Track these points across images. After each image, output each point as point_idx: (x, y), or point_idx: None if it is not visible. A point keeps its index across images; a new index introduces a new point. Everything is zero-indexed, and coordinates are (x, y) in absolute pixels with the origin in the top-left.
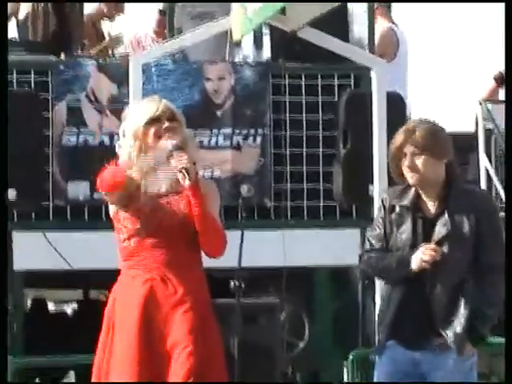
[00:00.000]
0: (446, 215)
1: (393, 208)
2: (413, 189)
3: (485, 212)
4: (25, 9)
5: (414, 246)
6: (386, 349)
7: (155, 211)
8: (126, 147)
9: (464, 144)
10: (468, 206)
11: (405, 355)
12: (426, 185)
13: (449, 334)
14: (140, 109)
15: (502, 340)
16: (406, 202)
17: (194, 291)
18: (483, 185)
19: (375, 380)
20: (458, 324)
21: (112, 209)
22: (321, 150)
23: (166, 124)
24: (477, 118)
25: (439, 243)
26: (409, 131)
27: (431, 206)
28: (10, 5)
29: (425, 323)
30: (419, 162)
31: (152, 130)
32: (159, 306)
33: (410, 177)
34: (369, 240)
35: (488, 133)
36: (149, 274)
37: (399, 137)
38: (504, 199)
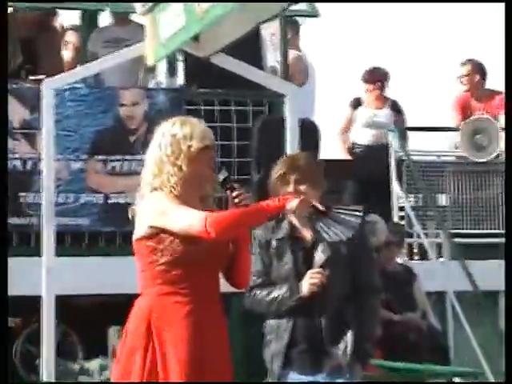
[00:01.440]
0: (323, 245)
1: (268, 243)
2: (285, 221)
3: (358, 237)
4: None
5: (297, 275)
6: (279, 377)
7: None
8: (165, 170)
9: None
10: (343, 229)
11: (296, 380)
12: (302, 213)
13: (339, 355)
14: (191, 130)
15: (412, 366)
16: (282, 234)
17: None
18: (395, 212)
19: None
20: (346, 344)
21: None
22: (235, 176)
23: (213, 154)
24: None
25: (321, 268)
26: (294, 159)
27: (307, 235)
28: None
29: (316, 348)
30: (303, 189)
31: (206, 157)
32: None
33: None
34: (254, 272)
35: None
36: (199, 304)
37: (283, 164)
38: (411, 227)
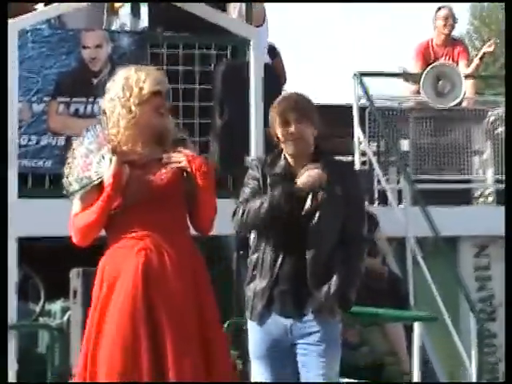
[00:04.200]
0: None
1: (264, 176)
2: (282, 157)
3: (351, 181)
4: None
5: (289, 212)
6: (260, 316)
7: (142, 176)
8: (115, 112)
9: (341, 116)
10: (337, 174)
11: (277, 323)
12: (300, 153)
13: (321, 297)
14: (142, 76)
15: (372, 310)
16: (278, 169)
17: (188, 259)
18: (357, 158)
19: (249, 347)
20: (330, 287)
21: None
22: (197, 120)
23: (166, 102)
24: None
25: (313, 208)
26: (291, 99)
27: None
28: None
29: (299, 288)
30: (303, 128)
31: (154, 103)
32: (157, 278)
33: (293, 144)
34: (242, 195)
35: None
36: (141, 243)
37: (282, 104)
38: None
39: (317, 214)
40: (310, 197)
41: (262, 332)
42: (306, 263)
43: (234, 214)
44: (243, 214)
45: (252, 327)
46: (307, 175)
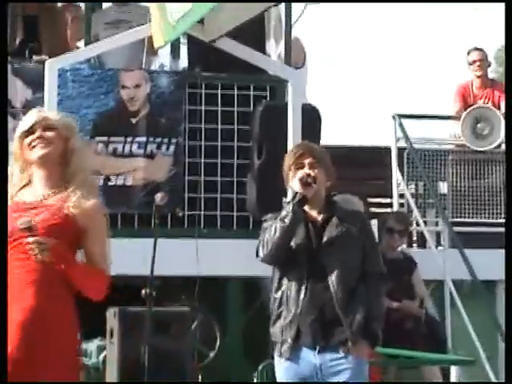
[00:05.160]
0: (335, 219)
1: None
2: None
3: (363, 224)
4: None
5: (308, 249)
6: (289, 350)
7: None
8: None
9: (380, 158)
10: (352, 214)
11: (306, 361)
12: (311, 197)
13: (348, 326)
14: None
15: (409, 353)
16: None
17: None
18: (395, 200)
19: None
20: (355, 318)
21: None
22: (235, 160)
23: (37, 133)
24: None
25: (331, 243)
26: (307, 145)
27: (316, 215)
28: None
29: (325, 318)
30: (316, 172)
31: (26, 141)
32: None
33: (308, 188)
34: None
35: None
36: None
37: (299, 148)
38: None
39: (336, 246)
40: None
41: (291, 370)
42: (330, 294)
43: (258, 250)
44: (263, 244)
45: (280, 365)
46: (298, 179)
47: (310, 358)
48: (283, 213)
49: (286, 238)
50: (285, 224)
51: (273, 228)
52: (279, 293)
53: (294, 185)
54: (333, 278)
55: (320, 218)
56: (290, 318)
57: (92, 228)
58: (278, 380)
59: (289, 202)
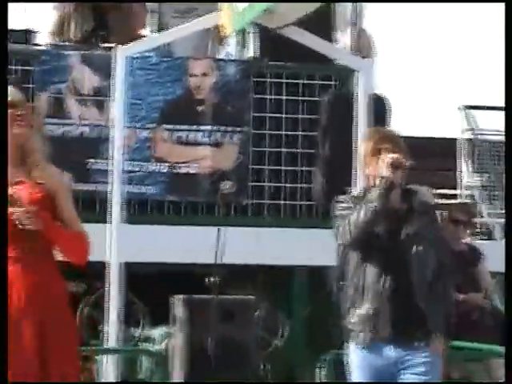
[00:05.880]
0: (416, 210)
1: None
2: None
3: (437, 216)
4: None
5: (388, 238)
6: (366, 342)
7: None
8: None
9: (447, 150)
10: (430, 207)
11: (382, 354)
12: (394, 183)
13: (427, 327)
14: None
15: (476, 345)
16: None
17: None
18: (461, 191)
19: (352, 373)
20: (435, 318)
21: None
22: (300, 149)
23: (19, 111)
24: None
25: (412, 235)
26: (386, 131)
27: (396, 203)
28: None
29: (404, 314)
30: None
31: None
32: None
33: (397, 173)
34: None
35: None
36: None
37: (377, 134)
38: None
39: (418, 238)
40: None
41: (366, 360)
42: (410, 287)
43: (337, 230)
44: (344, 228)
45: (355, 354)
46: (386, 163)
47: (387, 350)
48: (370, 197)
49: (370, 223)
50: (372, 209)
51: (357, 212)
52: (354, 280)
53: (380, 169)
54: (413, 271)
55: (401, 207)
56: (368, 309)
57: (61, 193)
58: (352, 368)
59: (375, 186)
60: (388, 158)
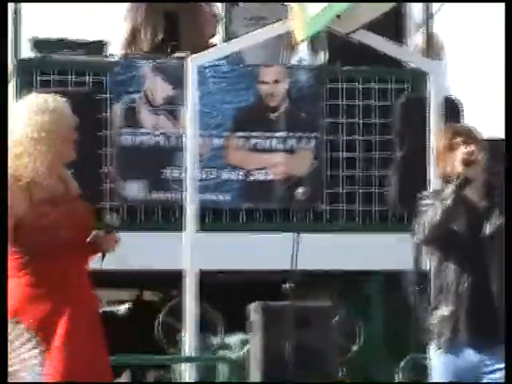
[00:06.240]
0: (497, 209)
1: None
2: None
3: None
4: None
5: (468, 237)
6: (447, 344)
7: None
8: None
9: None
10: (505, 204)
11: (463, 358)
12: (473, 178)
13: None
14: (56, 109)
15: None
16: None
17: None
18: None
19: (433, 375)
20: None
21: None
22: (376, 153)
23: (75, 135)
24: None
25: (493, 235)
26: (453, 126)
27: (476, 200)
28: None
29: (486, 316)
30: (473, 149)
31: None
32: None
33: (472, 168)
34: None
35: None
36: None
37: (452, 128)
38: None
39: (498, 239)
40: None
41: (447, 365)
42: (490, 290)
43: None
44: (421, 226)
45: (437, 358)
46: (462, 154)
47: (467, 354)
48: (444, 194)
49: (445, 221)
50: (445, 206)
51: (432, 209)
52: (437, 282)
53: (454, 165)
54: (494, 273)
55: (481, 204)
56: (448, 311)
57: None
58: (433, 372)
59: (451, 183)
60: (461, 152)
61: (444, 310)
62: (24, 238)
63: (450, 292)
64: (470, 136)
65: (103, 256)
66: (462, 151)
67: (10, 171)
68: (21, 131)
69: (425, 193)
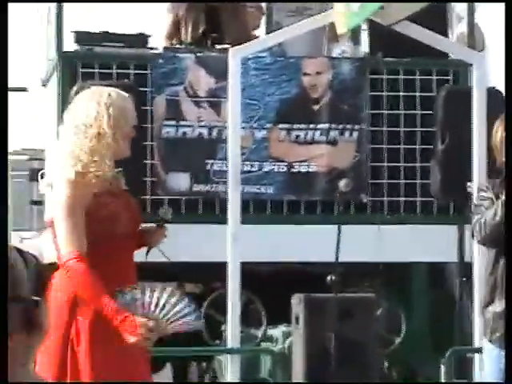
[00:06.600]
0: None
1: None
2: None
3: None
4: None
5: None
6: (501, 341)
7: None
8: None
9: None
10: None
11: None
12: None
13: None
14: (122, 105)
15: None
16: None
17: None
18: None
19: (486, 369)
20: None
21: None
22: (418, 145)
23: (134, 133)
24: None
25: None
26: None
27: None
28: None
29: None
30: None
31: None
32: None
33: None
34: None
35: None
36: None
37: (503, 122)
38: None
39: None
40: None
41: (498, 361)
42: None
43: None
44: (481, 226)
45: (489, 353)
46: None
47: None
48: (500, 189)
49: (505, 219)
50: (503, 205)
51: (491, 207)
52: (492, 277)
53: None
54: None
55: None
56: (502, 307)
57: None
58: (486, 367)
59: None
60: None
61: (497, 307)
62: (86, 227)
63: (502, 289)
64: None
65: (149, 249)
66: None
67: (78, 164)
68: (89, 123)
69: (484, 184)
